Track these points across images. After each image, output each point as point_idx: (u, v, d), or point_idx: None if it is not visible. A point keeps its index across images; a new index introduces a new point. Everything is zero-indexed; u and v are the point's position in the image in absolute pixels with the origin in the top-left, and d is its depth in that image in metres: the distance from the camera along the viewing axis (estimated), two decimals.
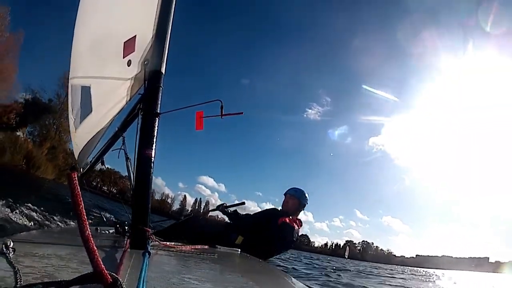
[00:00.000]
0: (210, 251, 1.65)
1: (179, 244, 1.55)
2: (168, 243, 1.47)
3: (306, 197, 2.61)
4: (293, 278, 1.36)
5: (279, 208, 2.66)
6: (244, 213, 2.64)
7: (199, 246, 1.67)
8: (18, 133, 19.55)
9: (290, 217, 2.49)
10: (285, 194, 2.64)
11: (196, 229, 2.19)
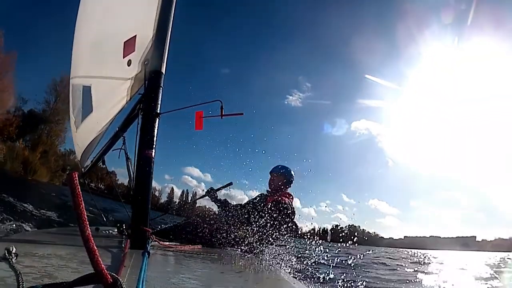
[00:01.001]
0: (209, 251, 1.65)
1: (179, 244, 1.55)
2: (168, 243, 1.47)
3: (292, 173, 2.60)
4: (293, 278, 1.36)
5: (266, 190, 2.61)
6: (234, 203, 2.60)
7: (198, 246, 1.67)
8: (17, 144, 21.20)
9: (278, 193, 2.47)
10: (270, 173, 2.62)
11: (197, 229, 2.19)
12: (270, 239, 2.29)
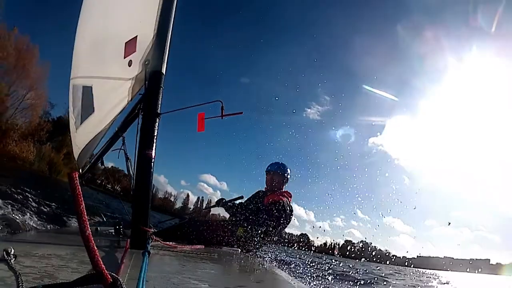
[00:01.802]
0: (210, 251, 1.65)
1: (179, 244, 1.55)
2: (168, 243, 1.47)
3: (288, 170, 2.57)
4: (293, 278, 1.36)
5: (264, 188, 2.60)
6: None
7: (199, 246, 1.67)
8: (44, 146, 23.47)
9: (277, 192, 2.45)
10: (267, 172, 2.58)
11: (197, 229, 2.19)
12: (267, 238, 2.29)
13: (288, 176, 2.58)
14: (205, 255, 1.46)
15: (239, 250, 2.10)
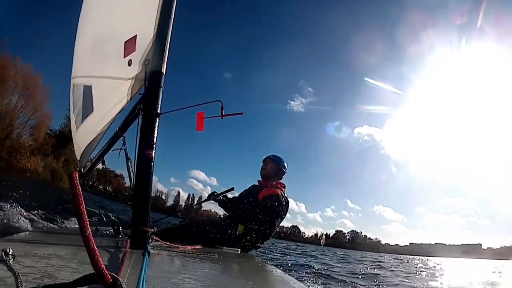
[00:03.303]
0: (210, 251, 1.65)
1: (179, 244, 1.55)
2: (168, 243, 1.47)
3: (284, 163, 2.57)
4: (293, 278, 1.36)
5: (258, 180, 2.58)
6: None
7: (199, 246, 1.67)
8: (48, 157, 26.78)
9: (270, 185, 2.43)
10: (263, 160, 2.59)
11: (197, 228, 2.19)
12: (267, 236, 2.29)
13: (284, 169, 2.57)
14: (205, 255, 1.46)
15: (239, 250, 2.10)
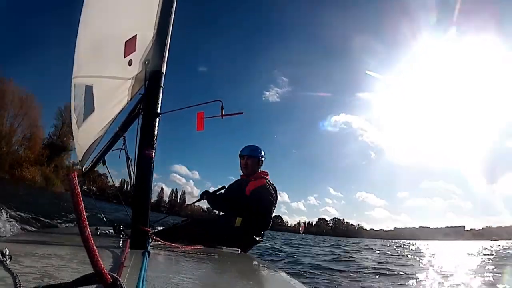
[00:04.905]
0: (210, 251, 1.65)
1: (179, 244, 1.55)
2: (168, 243, 1.47)
3: (262, 152, 2.55)
4: (293, 278, 1.36)
5: (240, 175, 2.58)
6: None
7: (199, 246, 1.67)
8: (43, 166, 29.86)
9: (254, 177, 2.42)
10: (240, 156, 2.54)
11: (197, 228, 2.19)
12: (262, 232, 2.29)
13: (263, 159, 2.55)
14: (205, 255, 1.46)
15: (239, 250, 2.10)
